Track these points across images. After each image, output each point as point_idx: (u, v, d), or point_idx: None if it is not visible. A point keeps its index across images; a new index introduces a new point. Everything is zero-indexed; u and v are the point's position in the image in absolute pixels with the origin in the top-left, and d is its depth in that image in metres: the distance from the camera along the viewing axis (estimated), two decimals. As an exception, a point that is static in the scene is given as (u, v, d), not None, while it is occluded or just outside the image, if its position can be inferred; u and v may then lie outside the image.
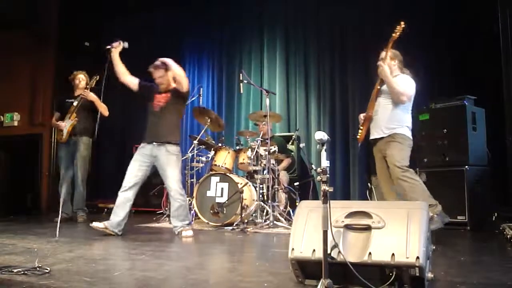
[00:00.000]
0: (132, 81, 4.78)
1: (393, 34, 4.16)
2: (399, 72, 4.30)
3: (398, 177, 4.05)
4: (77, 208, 6.03)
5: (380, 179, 4.42)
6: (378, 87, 4.32)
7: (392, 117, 4.22)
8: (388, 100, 4.26)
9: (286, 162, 6.29)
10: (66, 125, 5.94)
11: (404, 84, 4.18)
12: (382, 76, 4.20)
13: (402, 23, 4.14)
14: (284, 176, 6.08)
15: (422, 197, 3.94)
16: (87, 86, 5.98)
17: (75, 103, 5.97)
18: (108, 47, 4.66)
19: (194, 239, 4.57)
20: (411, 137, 4.21)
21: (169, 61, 4.56)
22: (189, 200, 5.70)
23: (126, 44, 4.67)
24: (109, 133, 7.53)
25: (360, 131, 4.46)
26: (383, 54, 4.25)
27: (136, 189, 4.59)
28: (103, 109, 5.95)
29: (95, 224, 4.45)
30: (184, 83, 4.54)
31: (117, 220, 4.48)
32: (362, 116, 4.49)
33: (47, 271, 2.67)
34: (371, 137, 4.37)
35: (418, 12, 6.19)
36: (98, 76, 5.93)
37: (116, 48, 4.67)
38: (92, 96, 5.92)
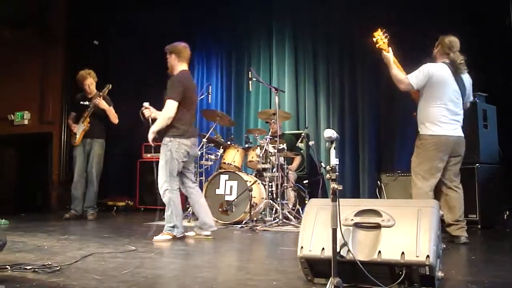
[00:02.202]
0: None
1: (378, 46, 4.02)
2: (439, 58, 4.07)
3: (413, 182, 3.94)
4: (88, 205, 6.09)
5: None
6: None
7: (418, 116, 4.04)
8: (420, 96, 4.05)
9: (296, 162, 6.29)
10: (79, 130, 6.02)
11: (415, 71, 3.97)
12: (386, 63, 4.04)
13: (379, 30, 4.04)
14: (291, 174, 6.07)
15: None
16: (100, 94, 6.01)
17: (88, 109, 6.03)
18: (143, 120, 4.43)
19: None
20: (436, 133, 3.86)
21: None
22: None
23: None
24: (117, 132, 7.55)
25: None
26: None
27: None
28: (113, 117, 6.09)
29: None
30: None
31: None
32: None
33: (57, 268, 2.69)
34: None
35: (429, 8, 6.13)
36: (110, 85, 6.03)
37: (149, 114, 4.40)
38: (103, 105, 6.00)
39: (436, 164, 3.86)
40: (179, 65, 4.33)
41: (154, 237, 4.08)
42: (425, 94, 3.95)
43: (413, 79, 3.91)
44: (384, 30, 4.05)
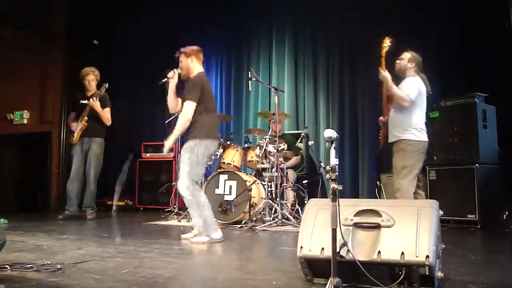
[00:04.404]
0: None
1: (382, 52, 4.21)
2: (415, 74, 4.26)
3: (398, 183, 4.10)
4: (86, 205, 6.06)
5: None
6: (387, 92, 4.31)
7: (399, 122, 4.22)
8: (395, 105, 4.26)
9: (294, 160, 6.28)
10: (77, 128, 6.00)
11: (407, 87, 4.16)
12: (384, 82, 4.22)
13: (387, 38, 4.23)
14: (291, 174, 6.07)
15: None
16: (98, 93, 5.99)
17: (87, 107, 6.01)
18: (164, 80, 4.32)
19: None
20: (421, 139, 4.14)
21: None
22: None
23: (178, 70, 4.27)
24: (117, 131, 7.56)
25: (380, 135, 4.51)
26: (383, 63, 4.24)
27: None
28: (106, 120, 6.07)
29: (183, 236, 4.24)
30: None
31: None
32: (381, 119, 4.50)
33: (56, 268, 2.68)
34: (389, 140, 4.35)
35: (429, 10, 6.13)
36: (107, 84, 6.00)
37: (173, 78, 4.28)
38: (97, 107, 5.96)
39: (419, 167, 4.15)
40: (197, 67, 4.28)
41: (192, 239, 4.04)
42: (411, 104, 4.17)
43: (413, 95, 4.12)
44: (390, 39, 4.19)
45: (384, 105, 4.39)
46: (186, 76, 4.26)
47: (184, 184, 3.96)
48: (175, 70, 4.28)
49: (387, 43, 4.28)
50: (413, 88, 4.14)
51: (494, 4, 5.56)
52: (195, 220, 4.04)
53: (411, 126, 4.15)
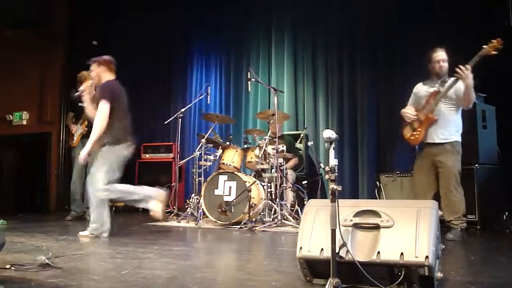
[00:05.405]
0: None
1: (489, 49, 3.97)
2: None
3: (455, 187, 4.12)
4: (87, 206, 6.07)
5: (420, 182, 4.39)
6: (440, 89, 4.23)
7: (454, 123, 4.23)
8: (451, 106, 4.23)
9: (293, 162, 6.28)
10: (77, 132, 6.01)
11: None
12: (469, 82, 4.02)
13: (499, 39, 3.97)
14: (290, 175, 6.06)
15: (463, 210, 4.16)
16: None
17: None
18: (77, 94, 4.65)
19: (201, 237, 4.58)
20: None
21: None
22: (197, 198, 5.71)
23: (89, 82, 4.63)
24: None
25: (417, 132, 4.31)
26: (468, 66, 4.00)
27: None
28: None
29: None
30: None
31: None
32: (413, 114, 4.36)
33: (55, 269, 2.68)
34: (428, 140, 4.27)
35: (429, 8, 6.14)
36: None
37: (86, 90, 4.62)
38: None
39: None
40: (108, 76, 4.52)
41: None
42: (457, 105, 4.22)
43: None
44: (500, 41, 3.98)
45: (428, 104, 4.28)
46: (97, 84, 4.55)
47: (102, 182, 4.19)
48: (86, 83, 4.66)
49: (498, 45, 3.97)
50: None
51: (494, 3, 5.55)
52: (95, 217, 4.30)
53: (460, 127, 4.23)
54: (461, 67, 3.99)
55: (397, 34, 6.41)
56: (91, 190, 4.33)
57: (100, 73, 4.51)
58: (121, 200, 4.40)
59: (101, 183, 4.21)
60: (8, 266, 2.73)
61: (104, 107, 4.25)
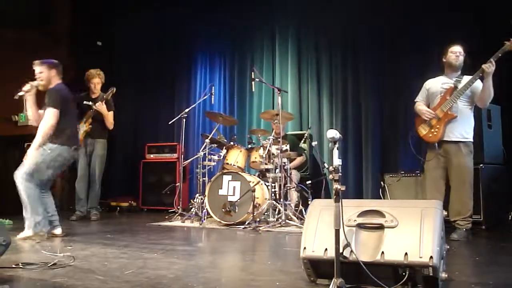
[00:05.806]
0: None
1: (511, 44, 3.94)
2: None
3: (467, 187, 4.16)
4: (91, 206, 6.13)
5: (431, 179, 4.35)
6: (458, 85, 4.19)
7: (470, 122, 4.22)
8: (466, 103, 4.21)
9: (298, 160, 6.27)
10: (80, 130, 6.03)
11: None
12: (490, 75, 4.00)
13: None
14: (294, 175, 6.06)
15: (471, 211, 4.20)
16: (104, 97, 6.03)
17: (91, 110, 6.05)
18: (20, 93, 4.54)
19: (205, 237, 4.58)
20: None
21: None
22: (201, 198, 5.71)
23: (36, 83, 4.47)
24: (120, 132, 7.57)
25: (435, 129, 4.25)
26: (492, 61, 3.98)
27: None
28: (109, 124, 6.15)
29: None
30: None
31: None
32: (430, 113, 4.29)
33: (60, 268, 2.69)
34: (445, 138, 4.22)
35: (430, 7, 6.12)
36: (114, 89, 6.09)
37: (30, 91, 4.51)
38: (103, 110, 6.04)
39: None
40: (56, 80, 4.55)
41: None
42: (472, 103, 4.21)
43: None
44: None
45: (443, 97, 4.24)
46: (46, 87, 4.49)
47: (28, 173, 4.13)
48: (31, 83, 4.50)
49: None
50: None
51: (497, 2, 5.52)
52: (29, 215, 4.27)
53: (472, 127, 4.22)
54: (490, 62, 3.95)
55: (401, 33, 6.39)
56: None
57: (50, 76, 4.49)
58: (23, 200, 4.31)
59: (24, 170, 4.15)
60: (14, 266, 2.75)
61: (53, 112, 4.26)
